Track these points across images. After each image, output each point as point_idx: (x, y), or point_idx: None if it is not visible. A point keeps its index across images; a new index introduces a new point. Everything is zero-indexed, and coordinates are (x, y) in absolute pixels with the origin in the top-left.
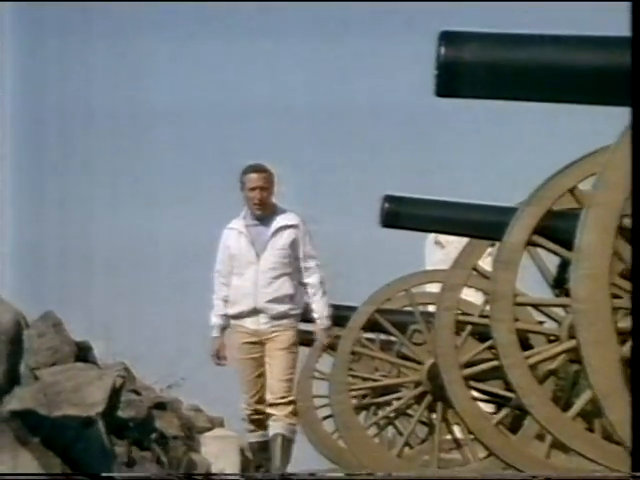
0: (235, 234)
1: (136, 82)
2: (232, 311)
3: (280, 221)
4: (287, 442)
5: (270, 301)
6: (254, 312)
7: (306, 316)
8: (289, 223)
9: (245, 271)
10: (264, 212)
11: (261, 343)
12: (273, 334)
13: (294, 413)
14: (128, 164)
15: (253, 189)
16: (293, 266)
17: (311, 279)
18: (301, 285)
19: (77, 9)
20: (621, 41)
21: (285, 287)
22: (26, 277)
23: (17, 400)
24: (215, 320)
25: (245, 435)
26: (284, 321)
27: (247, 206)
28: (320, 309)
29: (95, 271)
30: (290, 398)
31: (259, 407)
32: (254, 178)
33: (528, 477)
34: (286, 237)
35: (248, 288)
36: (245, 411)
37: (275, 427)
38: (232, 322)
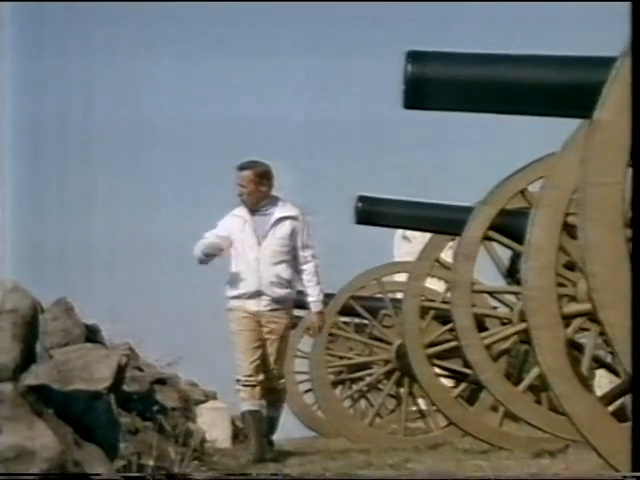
0: (240, 221)
1: (136, 92)
2: (234, 292)
3: (280, 212)
4: (274, 421)
5: (271, 284)
6: (256, 294)
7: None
8: (288, 214)
9: (246, 256)
10: (252, 205)
11: (259, 322)
12: (271, 319)
13: (282, 396)
14: (128, 172)
15: (237, 185)
16: (291, 255)
17: (307, 267)
18: (297, 273)
19: (78, 21)
20: (571, 60)
21: (284, 273)
22: (32, 267)
23: (33, 376)
24: (207, 236)
25: (237, 405)
26: (282, 305)
27: None
28: (315, 294)
29: (100, 262)
30: (281, 386)
31: (254, 376)
32: (237, 175)
33: (527, 477)
34: (286, 228)
35: (250, 272)
36: (240, 380)
37: (267, 410)
38: (232, 303)
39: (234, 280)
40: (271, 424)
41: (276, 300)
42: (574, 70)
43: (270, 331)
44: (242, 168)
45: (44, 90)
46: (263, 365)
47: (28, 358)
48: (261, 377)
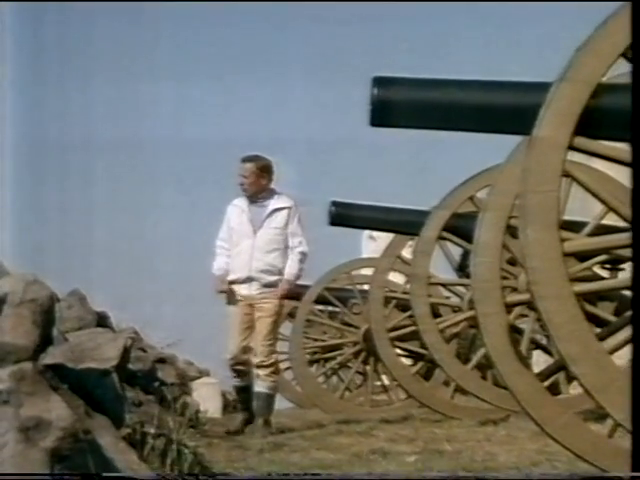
0: (238, 211)
1: (137, 112)
2: (229, 278)
3: (275, 203)
4: (269, 397)
5: (262, 271)
6: (248, 280)
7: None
8: (283, 205)
9: (242, 244)
10: (251, 195)
11: (251, 306)
12: (262, 301)
13: (275, 372)
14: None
15: (240, 176)
16: (284, 244)
17: (293, 251)
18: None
19: (79, 42)
20: (514, 84)
21: (276, 260)
22: (35, 266)
23: (50, 356)
24: (218, 265)
25: (226, 383)
26: (272, 289)
27: None
28: (292, 266)
29: (104, 259)
30: (272, 361)
31: (242, 356)
32: (240, 167)
33: (526, 477)
34: (280, 218)
35: (244, 259)
36: (229, 361)
37: (260, 385)
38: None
39: (230, 266)
40: (266, 401)
41: (267, 285)
42: (517, 94)
43: (261, 310)
44: (245, 160)
45: (45, 98)
46: (255, 342)
47: (46, 341)
48: (248, 357)
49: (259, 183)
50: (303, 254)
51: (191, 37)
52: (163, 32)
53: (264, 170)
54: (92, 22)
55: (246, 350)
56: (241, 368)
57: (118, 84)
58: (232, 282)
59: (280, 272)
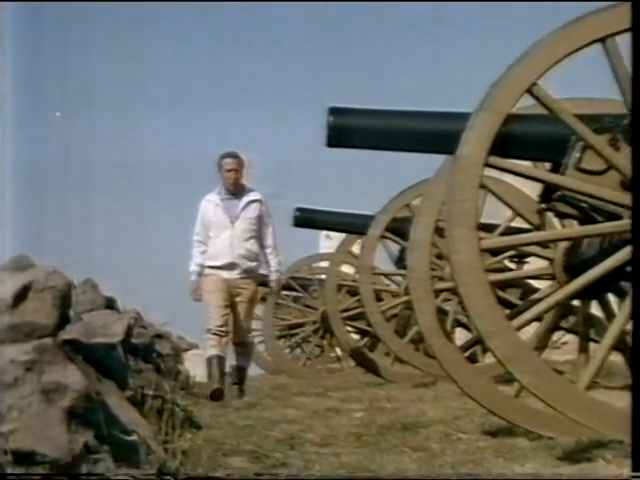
0: (212, 205)
1: (136, 134)
2: (212, 264)
3: (249, 196)
4: (243, 370)
5: (242, 257)
6: (230, 266)
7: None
8: (256, 198)
9: (222, 234)
10: (236, 189)
11: (230, 287)
12: (241, 286)
13: (250, 349)
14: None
15: (229, 171)
16: (258, 232)
17: (269, 242)
18: (261, 247)
19: (79, 64)
20: (442, 114)
21: (253, 247)
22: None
23: (67, 333)
24: (193, 268)
25: (207, 351)
26: (251, 274)
27: (222, 184)
28: (275, 264)
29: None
30: (249, 340)
31: (224, 327)
32: (230, 162)
33: (527, 477)
34: (254, 209)
35: (225, 247)
36: (211, 329)
37: (237, 360)
38: (209, 271)
39: (212, 254)
40: (241, 373)
41: (246, 270)
42: (445, 121)
43: (239, 295)
44: (232, 156)
45: (44, 142)
46: (234, 323)
47: (64, 320)
48: (230, 329)
49: (240, 177)
50: (276, 245)
51: (190, 66)
52: (162, 60)
53: (243, 166)
54: (93, 29)
55: (228, 322)
56: (221, 334)
57: (119, 103)
58: (214, 267)
59: (257, 257)
